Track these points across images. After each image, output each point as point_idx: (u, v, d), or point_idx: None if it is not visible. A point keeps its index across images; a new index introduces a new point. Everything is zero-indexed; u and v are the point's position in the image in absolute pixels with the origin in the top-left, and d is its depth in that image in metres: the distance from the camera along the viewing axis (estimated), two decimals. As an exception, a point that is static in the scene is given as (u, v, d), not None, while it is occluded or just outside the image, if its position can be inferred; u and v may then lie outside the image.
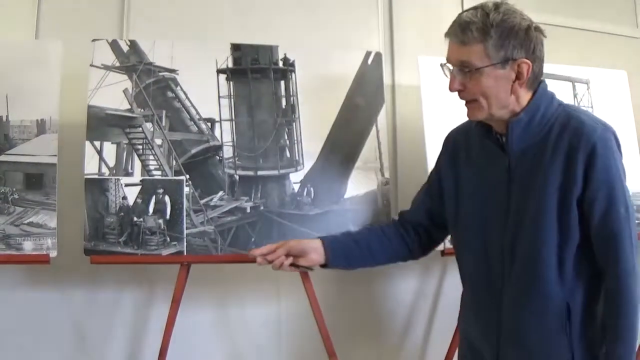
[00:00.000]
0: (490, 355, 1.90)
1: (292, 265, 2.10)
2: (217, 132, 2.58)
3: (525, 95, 1.80)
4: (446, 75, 1.84)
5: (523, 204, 1.79)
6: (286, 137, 2.64)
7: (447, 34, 1.79)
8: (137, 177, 2.49)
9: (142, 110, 2.52)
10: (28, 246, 2.40)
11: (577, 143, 1.72)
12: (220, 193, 2.54)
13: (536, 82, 1.82)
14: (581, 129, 1.74)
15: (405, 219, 2.20)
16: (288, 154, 2.63)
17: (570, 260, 1.75)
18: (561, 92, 2.60)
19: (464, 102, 1.84)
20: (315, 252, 2.09)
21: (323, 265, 2.14)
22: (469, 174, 1.96)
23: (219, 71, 2.61)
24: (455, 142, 2.07)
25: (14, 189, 2.44)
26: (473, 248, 1.92)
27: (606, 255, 1.73)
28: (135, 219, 2.45)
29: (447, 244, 2.64)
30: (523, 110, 1.79)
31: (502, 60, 1.73)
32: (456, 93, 1.83)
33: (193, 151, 2.54)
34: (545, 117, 1.80)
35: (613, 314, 1.73)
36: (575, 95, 3.02)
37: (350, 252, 2.13)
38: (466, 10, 1.78)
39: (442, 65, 1.84)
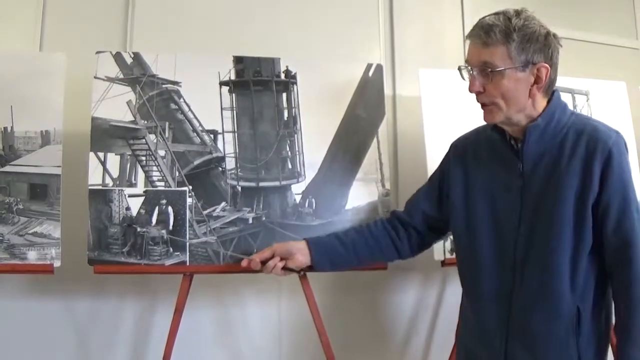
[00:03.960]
0: None
1: (283, 268, 2.19)
2: (219, 144, 2.58)
3: (541, 101, 1.86)
4: (463, 78, 1.89)
5: (537, 210, 1.83)
6: (288, 149, 2.64)
7: (470, 36, 1.84)
8: (140, 188, 2.49)
9: (146, 121, 2.53)
10: (32, 256, 2.41)
11: (593, 149, 1.78)
12: (223, 204, 2.54)
13: (551, 89, 1.88)
14: (597, 136, 1.80)
15: (398, 219, 2.23)
16: (290, 166, 2.63)
17: (583, 265, 1.79)
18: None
19: (480, 104, 1.88)
20: (300, 252, 2.19)
21: (310, 267, 2.21)
22: (479, 180, 1.99)
23: (222, 83, 2.61)
24: (464, 148, 2.10)
25: (19, 199, 2.45)
26: (483, 253, 1.94)
27: (618, 259, 1.77)
28: (138, 229, 2.45)
29: (447, 254, 2.69)
30: (540, 116, 1.83)
31: (523, 63, 1.78)
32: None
33: (196, 162, 2.54)
34: (559, 124, 1.85)
35: (626, 317, 1.77)
36: (574, 107, 3.01)
37: (334, 252, 2.20)
38: (487, 15, 1.83)
39: (460, 69, 1.89)
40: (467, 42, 1.86)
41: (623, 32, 3.96)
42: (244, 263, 2.28)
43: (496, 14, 1.82)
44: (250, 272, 2.46)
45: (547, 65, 1.81)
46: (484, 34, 1.79)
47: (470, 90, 1.84)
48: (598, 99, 3.08)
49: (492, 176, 1.95)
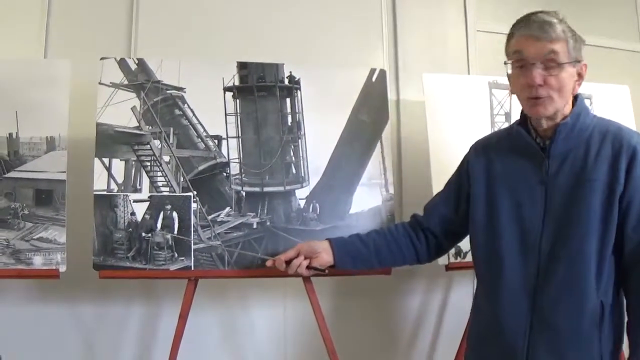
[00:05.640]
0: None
1: (308, 267, 2.22)
2: (224, 149, 2.59)
3: (571, 100, 1.93)
4: (508, 73, 1.96)
5: (564, 205, 1.87)
6: (292, 154, 2.65)
7: (531, 30, 1.87)
8: (145, 193, 2.49)
9: (150, 127, 2.54)
10: (38, 261, 2.42)
11: (619, 147, 1.85)
12: (227, 209, 2.54)
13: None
14: (622, 135, 1.88)
15: (418, 223, 2.25)
16: (294, 171, 2.64)
17: (607, 260, 1.83)
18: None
19: (531, 97, 1.89)
20: (325, 252, 2.23)
21: (332, 267, 2.23)
22: (502, 175, 2.02)
23: (226, 89, 2.62)
24: (486, 146, 2.13)
25: (24, 205, 2.46)
26: (506, 248, 1.94)
27: (637, 257, 1.81)
28: (143, 234, 2.46)
29: (451, 258, 2.70)
30: (569, 116, 1.90)
31: (574, 59, 1.86)
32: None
33: (200, 168, 2.55)
34: (584, 125, 1.91)
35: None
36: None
37: (356, 253, 2.23)
38: (539, 12, 1.89)
39: (506, 63, 1.95)
40: (521, 36, 1.89)
41: (626, 36, 3.95)
42: (269, 263, 2.31)
43: (546, 12, 1.89)
44: (256, 277, 2.51)
45: (585, 63, 1.90)
46: (549, 28, 1.84)
47: (535, 82, 1.85)
48: (601, 103, 3.08)
49: (516, 171, 1.98)
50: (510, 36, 1.94)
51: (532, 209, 1.92)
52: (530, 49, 1.86)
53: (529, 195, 1.94)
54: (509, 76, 1.99)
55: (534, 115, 1.92)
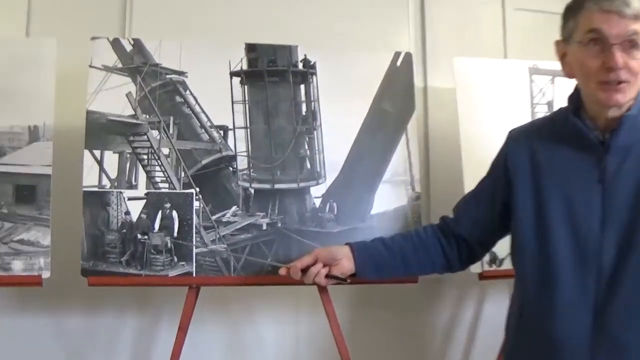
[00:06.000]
0: None
1: (327, 276, 2.11)
2: (230, 141, 2.51)
3: None
4: (559, 55, 1.84)
5: (628, 209, 1.72)
6: (306, 147, 2.57)
7: (613, 6, 1.70)
8: (141, 190, 2.40)
9: (148, 116, 2.46)
10: (18, 266, 2.31)
11: None
12: (234, 208, 2.45)
13: None
14: None
15: (448, 226, 2.12)
16: (308, 166, 2.55)
17: None
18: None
19: (606, 82, 1.72)
20: (346, 258, 2.11)
21: (352, 275, 2.13)
22: (551, 170, 1.85)
23: (233, 74, 2.53)
24: (528, 137, 1.96)
25: (3, 203, 2.36)
26: (559, 256, 1.77)
27: None
28: (139, 236, 2.36)
29: (485, 265, 2.58)
30: (633, 106, 1.74)
31: None
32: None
33: (204, 162, 2.47)
34: None
35: None
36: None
37: (380, 259, 2.11)
38: None
39: (573, 42, 1.80)
40: (599, 11, 1.71)
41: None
42: (283, 271, 2.18)
43: None
44: (265, 284, 2.42)
45: None
46: (632, 4, 1.68)
47: (616, 66, 1.68)
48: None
49: (566, 166, 1.82)
50: (577, 9, 1.76)
51: (587, 209, 1.75)
52: (612, 27, 1.68)
53: (583, 194, 1.77)
54: (562, 57, 1.83)
55: (610, 102, 1.73)
